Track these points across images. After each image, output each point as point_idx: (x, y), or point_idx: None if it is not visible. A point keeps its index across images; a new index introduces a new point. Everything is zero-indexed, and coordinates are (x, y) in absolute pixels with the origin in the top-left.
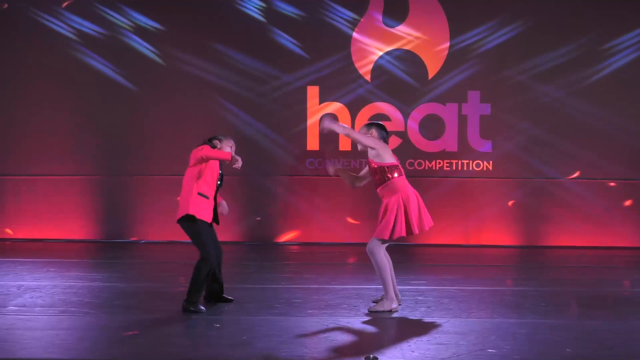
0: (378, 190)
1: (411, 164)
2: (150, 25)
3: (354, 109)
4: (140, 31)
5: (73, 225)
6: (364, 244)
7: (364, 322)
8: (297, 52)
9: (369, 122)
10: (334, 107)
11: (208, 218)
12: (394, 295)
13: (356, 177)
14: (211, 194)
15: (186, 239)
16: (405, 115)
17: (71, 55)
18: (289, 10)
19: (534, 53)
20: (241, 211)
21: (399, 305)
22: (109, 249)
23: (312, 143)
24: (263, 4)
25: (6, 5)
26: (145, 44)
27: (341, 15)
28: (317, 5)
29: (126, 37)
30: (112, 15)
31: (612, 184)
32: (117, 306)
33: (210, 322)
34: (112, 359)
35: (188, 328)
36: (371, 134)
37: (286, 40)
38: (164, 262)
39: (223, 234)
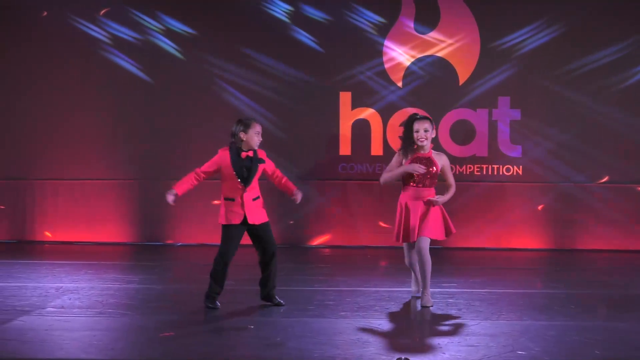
0: (425, 192)
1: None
2: (184, 31)
3: (385, 115)
4: (175, 37)
5: (110, 228)
6: (395, 248)
7: (396, 324)
8: (329, 57)
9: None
10: (366, 112)
11: (234, 220)
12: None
13: None
14: (236, 195)
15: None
16: (437, 121)
17: (107, 61)
18: (319, 16)
19: (565, 58)
20: (274, 215)
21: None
22: (145, 251)
23: (345, 148)
24: (295, 10)
25: (45, 13)
26: (179, 49)
27: (373, 22)
28: (349, 11)
29: (161, 42)
30: (147, 22)
31: None
32: (153, 307)
33: (244, 323)
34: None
35: (222, 329)
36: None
37: (318, 46)
38: (199, 264)
39: None
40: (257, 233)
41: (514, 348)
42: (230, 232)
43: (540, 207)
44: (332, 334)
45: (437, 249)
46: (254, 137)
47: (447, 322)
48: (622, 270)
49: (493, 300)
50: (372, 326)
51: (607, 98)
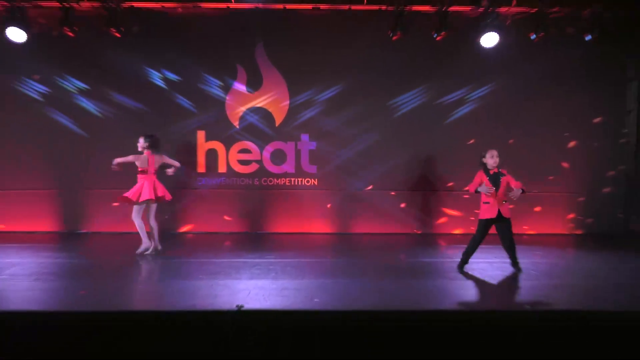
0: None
1: (265, 181)
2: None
3: (227, 145)
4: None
5: None
6: (238, 233)
7: (234, 282)
8: (189, 108)
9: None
10: (214, 144)
11: (488, 215)
12: (148, 240)
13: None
14: (490, 198)
15: None
16: (261, 149)
17: None
18: (183, 80)
19: (343, 107)
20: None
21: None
22: None
23: (201, 167)
24: (164, 76)
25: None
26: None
27: (217, 84)
28: (200, 77)
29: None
30: None
31: (392, 193)
32: None
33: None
34: None
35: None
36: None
37: (182, 100)
38: None
39: None
40: (503, 225)
41: (313, 297)
42: (485, 224)
43: (329, 205)
44: (192, 290)
45: (263, 234)
46: (489, 159)
47: (268, 282)
48: (382, 246)
49: (299, 266)
50: (220, 284)
51: (372, 130)
